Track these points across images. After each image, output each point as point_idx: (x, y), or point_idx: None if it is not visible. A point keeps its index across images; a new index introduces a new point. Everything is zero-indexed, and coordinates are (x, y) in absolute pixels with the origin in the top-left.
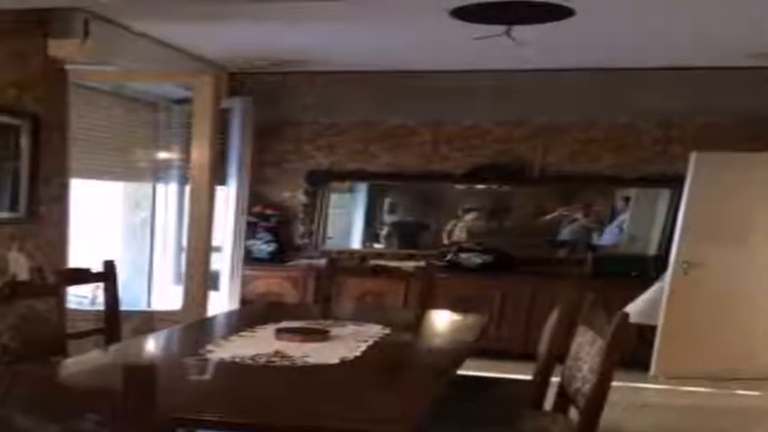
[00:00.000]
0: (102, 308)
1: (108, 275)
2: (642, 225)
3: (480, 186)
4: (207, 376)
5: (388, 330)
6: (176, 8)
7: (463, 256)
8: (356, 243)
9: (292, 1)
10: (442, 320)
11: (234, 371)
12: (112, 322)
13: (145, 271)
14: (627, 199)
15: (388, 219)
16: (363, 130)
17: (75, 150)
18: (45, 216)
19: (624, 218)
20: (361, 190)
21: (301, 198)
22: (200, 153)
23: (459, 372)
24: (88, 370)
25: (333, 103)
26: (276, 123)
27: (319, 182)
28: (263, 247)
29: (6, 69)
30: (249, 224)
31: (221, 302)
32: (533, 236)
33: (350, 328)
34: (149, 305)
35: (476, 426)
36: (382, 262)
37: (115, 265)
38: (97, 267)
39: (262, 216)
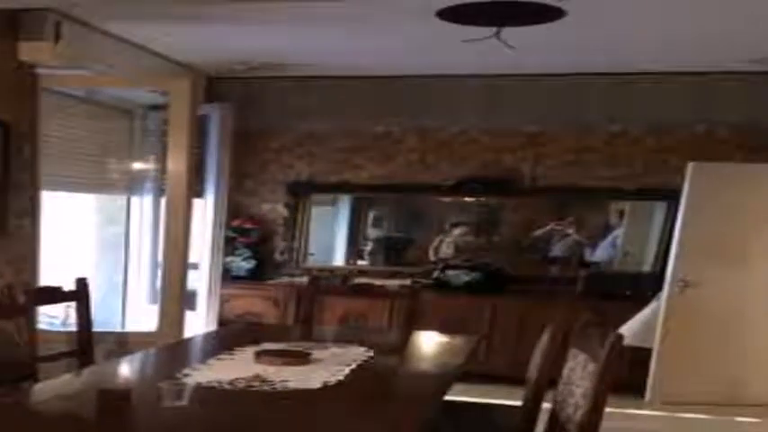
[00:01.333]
0: (74, 329)
1: (80, 294)
2: (637, 240)
3: (468, 199)
4: (184, 402)
5: (371, 353)
6: (151, 8)
7: (450, 273)
8: (339, 260)
9: (272, 1)
10: (428, 342)
11: (212, 396)
12: (85, 344)
13: (119, 289)
14: (621, 213)
15: (372, 234)
16: (346, 139)
17: (44, 161)
18: (15, 231)
19: (618, 233)
20: (344, 203)
21: (282, 211)
22: (177, 163)
23: (446, 397)
24: (60, 395)
25: (314, 110)
26: (256, 131)
27: (300, 194)
28: (242, 263)
29: None
30: (227, 239)
31: (198, 323)
32: (523, 252)
33: (332, 350)
34: (123, 326)
35: None
36: (366, 280)
37: (88, 283)
38: (69, 285)
39: (241, 230)
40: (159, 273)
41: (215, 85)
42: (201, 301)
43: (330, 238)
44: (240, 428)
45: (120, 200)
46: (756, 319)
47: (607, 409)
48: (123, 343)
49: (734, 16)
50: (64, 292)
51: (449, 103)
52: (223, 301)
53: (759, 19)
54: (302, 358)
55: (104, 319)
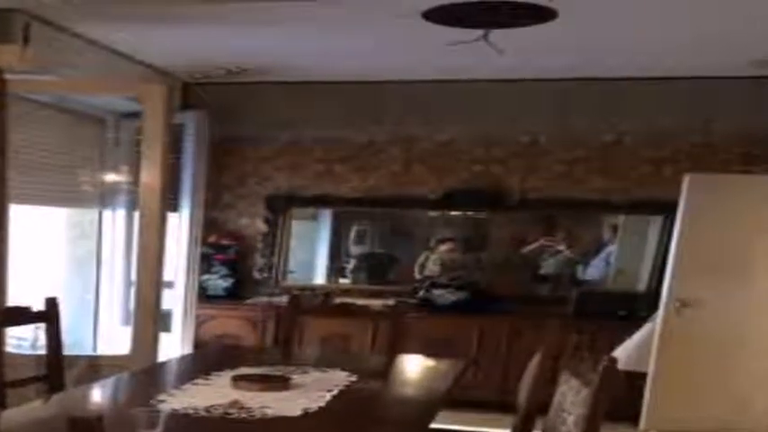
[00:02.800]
0: (43, 352)
1: (50, 315)
2: (631, 257)
3: (455, 213)
4: (158, 430)
5: (354, 378)
6: (124, 10)
7: (436, 292)
8: (320, 278)
9: (249, 1)
10: (413, 366)
11: (188, 424)
12: (55, 368)
13: (90, 310)
14: (614, 227)
15: (354, 250)
16: (328, 149)
17: (12, 172)
18: None
19: (611, 249)
20: (326, 217)
21: (260, 226)
22: (151, 175)
23: (432, 425)
24: (29, 422)
25: (294, 118)
26: (233, 140)
27: (280, 208)
28: (218, 282)
29: None
30: (204, 256)
31: (173, 345)
32: (512, 269)
33: (313, 374)
34: (95, 349)
35: None
36: (349, 300)
37: (58, 303)
38: (38, 306)
39: (218, 247)
40: (132, 292)
41: (191, 92)
42: (177, 321)
43: (311, 255)
44: None
45: (92, 214)
46: (758, 340)
47: None
48: (95, 366)
49: (732, 17)
50: (33, 313)
51: (434, 110)
52: (199, 321)
53: (758, 19)
54: (282, 383)
55: (75, 341)
